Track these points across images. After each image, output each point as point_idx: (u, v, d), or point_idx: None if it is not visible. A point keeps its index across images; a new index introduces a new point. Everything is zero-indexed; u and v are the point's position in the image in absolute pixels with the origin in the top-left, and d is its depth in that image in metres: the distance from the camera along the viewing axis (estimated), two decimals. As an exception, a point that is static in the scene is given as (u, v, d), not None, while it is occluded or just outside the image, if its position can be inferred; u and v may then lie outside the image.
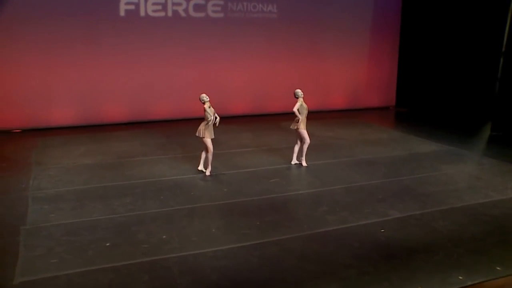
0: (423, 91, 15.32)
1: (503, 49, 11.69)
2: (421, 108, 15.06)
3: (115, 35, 12.54)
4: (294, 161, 8.49)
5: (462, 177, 8.13)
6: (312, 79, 14.85)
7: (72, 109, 12.58)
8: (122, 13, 12.57)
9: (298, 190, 7.27)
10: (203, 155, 7.91)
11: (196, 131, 7.64)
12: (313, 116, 14.86)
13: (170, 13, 13.02)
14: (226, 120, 13.15)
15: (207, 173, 7.74)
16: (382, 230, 5.85)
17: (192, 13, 13.29)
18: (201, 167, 7.98)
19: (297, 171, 8.26)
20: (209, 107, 7.69)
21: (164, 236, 5.64)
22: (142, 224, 5.98)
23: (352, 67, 15.51)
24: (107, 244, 5.40)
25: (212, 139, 7.84)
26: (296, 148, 8.48)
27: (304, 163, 8.30)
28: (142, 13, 12.78)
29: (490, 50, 13.50)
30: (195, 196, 7.03)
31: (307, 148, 8.49)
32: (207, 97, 7.70)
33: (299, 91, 8.19)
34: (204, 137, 7.61)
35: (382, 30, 15.76)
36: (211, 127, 7.59)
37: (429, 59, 15.05)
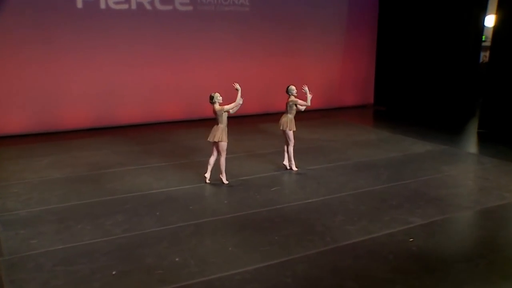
0: (401, 89, 15.54)
1: (490, 45, 11.97)
2: (399, 106, 15.31)
3: (71, 31, 11.81)
4: (286, 162, 8.38)
5: (468, 178, 8.27)
6: (286, 77, 14.68)
7: (24, 116, 11.77)
8: (79, 5, 11.87)
9: (306, 199, 7.12)
10: (212, 161, 7.61)
11: (211, 136, 7.45)
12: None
13: (134, 6, 12.47)
14: (199, 124, 12.96)
15: (225, 180, 7.53)
16: (411, 240, 5.72)
17: (158, 6, 12.81)
18: (208, 174, 7.68)
19: (295, 177, 8.17)
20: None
21: (177, 259, 5.25)
22: (146, 246, 5.55)
23: (327, 64, 15.54)
24: (114, 273, 4.94)
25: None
26: (286, 149, 8.29)
27: (294, 167, 8.19)
28: (103, 5, 12.17)
29: (469, 46, 13.84)
30: (196, 210, 6.71)
31: (293, 151, 8.43)
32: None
33: (294, 88, 8.00)
34: (221, 141, 7.34)
35: (359, 25, 15.88)
36: (226, 130, 7.36)
37: (408, 56, 15.27)
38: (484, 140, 11.16)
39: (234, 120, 13.27)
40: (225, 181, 7.53)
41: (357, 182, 7.99)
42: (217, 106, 7.40)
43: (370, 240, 5.85)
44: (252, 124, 12.91)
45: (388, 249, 5.58)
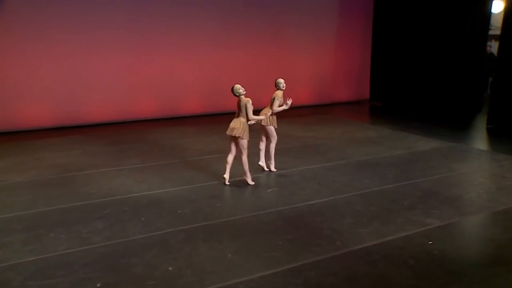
0: (399, 83, 15.62)
1: (500, 34, 12.06)
2: (397, 101, 15.47)
3: (31, 19, 11.44)
4: (263, 163, 8.25)
5: (484, 176, 8.28)
6: (273, 69, 14.70)
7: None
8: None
9: (307, 201, 7.05)
10: (230, 159, 7.59)
11: (230, 129, 7.35)
12: (277, 114, 15.07)
13: (104, -12, 12.22)
14: (178, 122, 12.99)
15: (250, 181, 7.58)
16: (430, 242, 5.66)
17: (131, -12, 12.59)
18: (227, 175, 7.61)
19: (292, 178, 8.10)
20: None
21: (170, 268, 5.07)
22: (133, 255, 5.35)
23: (318, 55, 15.55)
24: (99, 285, 4.73)
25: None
26: (262, 147, 8.20)
27: (273, 168, 8.17)
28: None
29: (475, 35, 13.94)
30: (185, 214, 6.57)
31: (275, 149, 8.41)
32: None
33: (281, 81, 8.04)
34: (243, 138, 7.32)
35: (352, 11, 15.90)
36: (247, 126, 7.40)
37: (407, 46, 15.36)
38: (494, 136, 11.27)
39: (216, 117, 13.26)
40: (251, 182, 7.53)
41: (362, 181, 7.98)
42: (243, 99, 7.40)
43: (385, 243, 5.77)
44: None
45: (407, 253, 5.49)
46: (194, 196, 7.32)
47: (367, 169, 8.71)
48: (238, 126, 7.42)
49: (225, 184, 7.62)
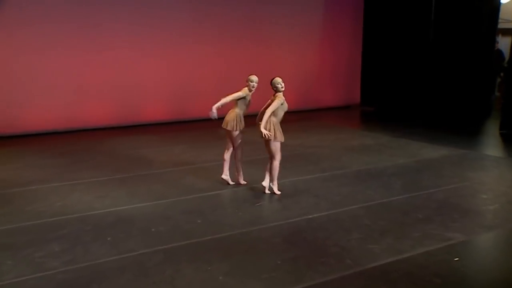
0: (393, 85, 15.82)
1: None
2: (391, 106, 15.78)
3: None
4: (227, 176, 8.20)
5: (507, 185, 8.43)
6: (249, 70, 14.51)
7: None
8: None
9: (305, 215, 7.07)
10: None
11: (263, 134, 7.53)
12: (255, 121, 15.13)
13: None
14: (137, 129, 13.08)
15: (276, 190, 7.71)
16: (457, 259, 5.67)
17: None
18: (266, 183, 7.80)
19: (283, 190, 8.11)
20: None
21: (150, 294, 4.88)
22: (103, 280, 5.23)
23: (302, 54, 15.64)
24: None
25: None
26: (227, 157, 8.29)
27: (276, 190, 7.90)
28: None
29: (481, 31, 14.21)
30: (161, 233, 6.48)
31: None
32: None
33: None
34: (275, 140, 7.52)
35: (341, 3, 16.02)
36: (279, 126, 7.58)
37: (403, 43, 15.56)
38: (510, 142, 11.43)
39: (183, 125, 13.19)
40: (277, 191, 7.69)
41: (365, 193, 8.07)
42: (280, 96, 7.59)
43: (404, 261, 5.76)
44: (207, 129, 12.87)
45: (431, 272, 5.49)
46: (169, 212, 7.23)
47: (369, 179, 8.81)
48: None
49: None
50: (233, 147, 8.22)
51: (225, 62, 14.32)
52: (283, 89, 7.79)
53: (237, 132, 8.08)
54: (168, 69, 13.79)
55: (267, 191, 7.88)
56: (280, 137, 7.58)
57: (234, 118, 8.03)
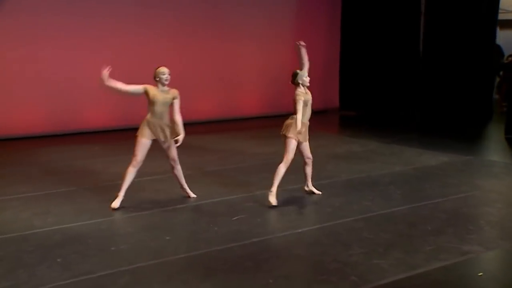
0: (377, 87, 15.99)
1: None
2: (375, 110, 16.09)
3: None
4: (309, 187, 8.67)
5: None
6: (209, 69, 14.63)
7: None
8: None
9: (293, 229, 7.12)
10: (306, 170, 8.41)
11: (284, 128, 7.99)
12: (219, 127, 15.14)
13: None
14: (78, 138, 13.21)
15: (271, 200, 7.95)
16: (480, 274, 5.73)
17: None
18: (311, 187, 8.52)
19: (261, 202, 8.21)
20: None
21: (119, 320, 4.76)
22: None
23: (272, 50, 15.65)
24: None
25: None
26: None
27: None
28: None
29: (480, 23, 14.45)
30: (123, 252, 6.41)
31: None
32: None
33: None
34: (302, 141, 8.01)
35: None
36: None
37: (388, 40, 15.78)
38: (519, 147, 11.74)
39: (128, 133, 13.08)
40: (272, 201, 7.95)
41: (361, 204, 8.19)
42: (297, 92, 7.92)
43: (419, 277, 5.78)
44: None
45: (453, 288, 5.40)
46: (130, 229, 7.24)
47: (363, 189, 8.94)
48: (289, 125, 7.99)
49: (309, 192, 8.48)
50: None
51: (181, 58, 14.22)
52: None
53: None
54: (112, 67, 13.57)
55: (317, 192, 8.55)
56: (293, 134, 7.89)
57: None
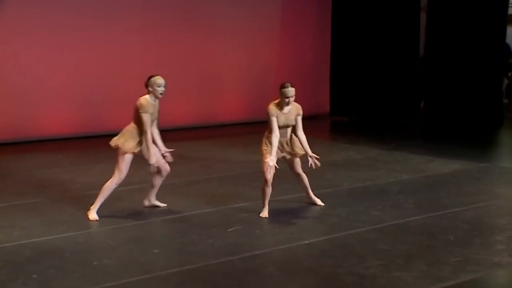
0: (372, 90, 16.15)
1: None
2: (370, 115, 16.31)
3: None
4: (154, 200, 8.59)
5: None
6: (186, 69, 14.63)
7: None
8: None
9: (298, 240, 7.19)
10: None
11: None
12: (198, 134, 15.14)
13: None
14: (38, 146, 13.25)
15: (319, 202, 8.45)
16: (516, 286, 5.74)
17: None
18: (314, 198, 8.65)
19: (257, 212, 8.29)
20: None
21: None
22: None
23: (255, 49, 15.66)
24: None
25: None
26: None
27: (318, 201, 8.75)
28: None
29: (488, 19, 14.60)
30: (108, 267, 6.39)
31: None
32: None
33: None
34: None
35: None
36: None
37: (384, 38, 15.92)
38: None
39: (97, 140, 13.37)
40: (320, 203, 8.45)
41: (370, 214, 8.33)
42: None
43: (450, 290, 5.73)
44: None
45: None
46: (111, 242, 7.22)
47: (369, 198, 9.09)
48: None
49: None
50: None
51: (152, 56, 14.19)
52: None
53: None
54: (76, 67, 13.55)
55: (320, 203, 8.63)
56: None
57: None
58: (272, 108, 8.06)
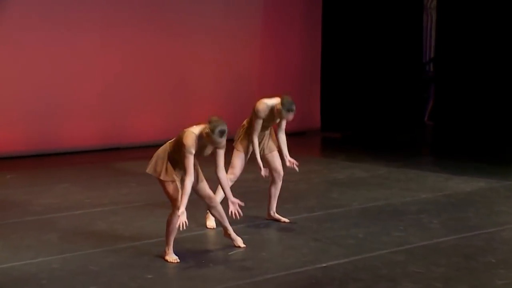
0: (370, 102, 16.36)
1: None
2: (367, 130, 16.59)
3: None
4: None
5: None
6: (156, 79, 14.62)
7: None
8: None
9: (314, 263, 7.33)
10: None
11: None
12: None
13: None
14: None
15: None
16: None
17: None
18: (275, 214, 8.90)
19: (261, 234, 8.65)
20: None
21: None
22: None
23: (236, 54, 15.72)
24: None
25: None
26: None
27: (282, 218, 9.07)
28: None
29: (503, 20, 14.83)
30: None
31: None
32: None
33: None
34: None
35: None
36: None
37: (381, 46, 16.10)
38: None
39: (60, 158, 13.77)
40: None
41: (392, 235, 8.51)
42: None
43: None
44: (101, 163, 13.18)
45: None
46: (94, 267, 7.25)
47: (386, 218, 9.31)
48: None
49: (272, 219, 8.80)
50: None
51: (113, 60, 14.20)
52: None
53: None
54: (23, 73, 13.47)
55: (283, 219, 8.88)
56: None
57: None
58: (263, 109, 8.46)
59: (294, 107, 8.43)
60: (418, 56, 16.96)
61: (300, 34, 16.66)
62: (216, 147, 7.15)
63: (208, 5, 15.36)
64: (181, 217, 6.92)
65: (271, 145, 8.68)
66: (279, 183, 8.81)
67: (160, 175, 7.25)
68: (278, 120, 8.57)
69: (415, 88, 16.74)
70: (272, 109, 8.43)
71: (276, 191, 8.87)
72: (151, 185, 11.07)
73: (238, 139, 8.69)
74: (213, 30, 15.47)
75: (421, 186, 11.27)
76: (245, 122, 8.69)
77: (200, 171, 7.42)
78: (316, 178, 11.95)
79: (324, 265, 7.29)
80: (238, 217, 7.48)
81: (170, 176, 7.24)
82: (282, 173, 8.70)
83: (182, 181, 7.11)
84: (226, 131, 7.04)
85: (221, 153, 7.27)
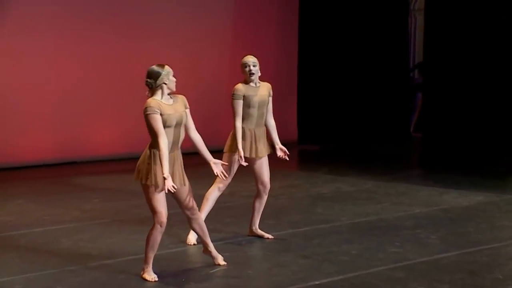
0: (352, 111, 16.43)
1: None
2: (350, 141, 16.74)
3: None
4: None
5: None
6: (113, 85, 14.78)
7: None
8: None
9: (306, 281, 7.40)
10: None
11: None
12: (130, 165, 15.08)
13: None
14: None
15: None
16: None
17: None
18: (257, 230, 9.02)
19: (245, 251, 8.70)
20: None
21: None
22: None
23: (204, 57, 15.73)
24: None
25: None
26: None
27: (266, 234, 9.17)
28: None
29: (500, 22, 15.02)
30: None
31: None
32: None
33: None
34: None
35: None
36: None
37: (364, 52, 16.23)
38: None
39: (21, 173, 13.46)
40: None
41: (387, 251, 8.57)
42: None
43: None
44: (57, 178, 13.17)
45: None
46: (62, 287, 7.34)
47: (380, 234, 9.39)
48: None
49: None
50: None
51: (65, 64, 14.17)
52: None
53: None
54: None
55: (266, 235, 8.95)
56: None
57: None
58: (238, 87, 8.68)
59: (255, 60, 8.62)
60: (403, 62, 16.98)
61: (274, 38, 16.75)
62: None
63: (174, 7, 15.38)
64: (167, 181, 6.90)
65: (262, 148, 8.69)
66: (265, 197, 8.88)
67: (142, 179, 7.22)
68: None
69: (400, 96, 16.70)
70: (247, 87, 8.56)
71: (260, 206, 8.93)
72: (116, 201, 11.23)
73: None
74: (179, 34, 15.50)
75: (414, 201, 11.42)
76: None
77: (184, 173, 7.45)
78: (298, 192, 12.09)
79: (317, 282, 7.32)
80: (224, 177, 7.64)
81: (152, 180, 7.19)
82: (269, 186, 8.77)
83: (177, 179, 7.18)
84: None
85: (188, 113, 7.42)
